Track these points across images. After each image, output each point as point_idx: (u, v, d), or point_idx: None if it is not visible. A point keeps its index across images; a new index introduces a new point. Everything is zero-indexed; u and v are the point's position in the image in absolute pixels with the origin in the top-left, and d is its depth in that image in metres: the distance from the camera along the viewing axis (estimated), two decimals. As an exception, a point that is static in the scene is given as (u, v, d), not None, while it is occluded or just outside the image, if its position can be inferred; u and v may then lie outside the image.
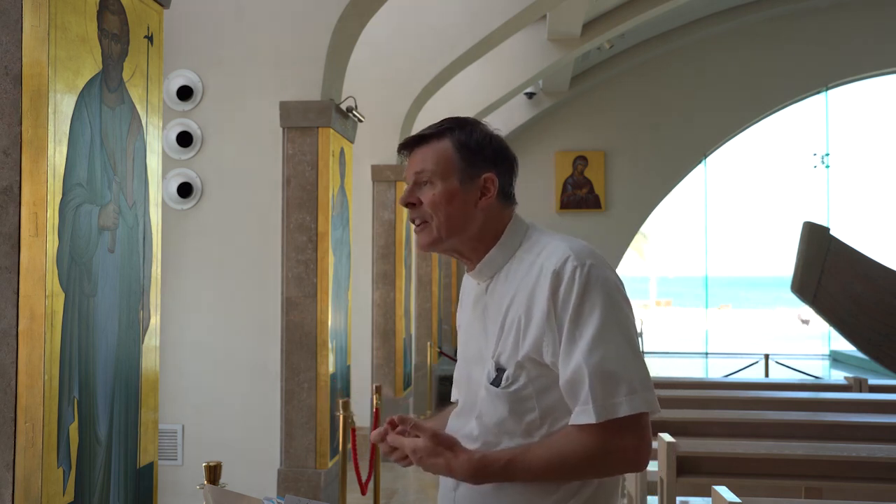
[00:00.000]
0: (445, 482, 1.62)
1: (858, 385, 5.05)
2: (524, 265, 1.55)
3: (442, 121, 1.63)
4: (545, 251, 1.53)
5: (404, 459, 1.53)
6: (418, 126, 7.13)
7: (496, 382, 1.52)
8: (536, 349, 1.48)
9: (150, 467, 2.41)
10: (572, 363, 1.44)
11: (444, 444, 1.48)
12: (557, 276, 1.47)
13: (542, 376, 1.49)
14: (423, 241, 1.59)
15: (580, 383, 1.43)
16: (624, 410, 1.41)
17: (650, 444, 1.47)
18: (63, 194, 1.99)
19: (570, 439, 1.45)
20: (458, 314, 1.77)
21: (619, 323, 1.46)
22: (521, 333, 1.50)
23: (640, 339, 14.68)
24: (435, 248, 1.59)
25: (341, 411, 4.09)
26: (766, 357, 9.44)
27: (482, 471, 1.47)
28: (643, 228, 13.90)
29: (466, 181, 1.57)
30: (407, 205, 1.60)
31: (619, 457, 1.44)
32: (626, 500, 4.18)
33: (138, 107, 2.37)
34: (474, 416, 1.58)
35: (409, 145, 1.62)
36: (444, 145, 1.58)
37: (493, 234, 1.59)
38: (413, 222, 1.60)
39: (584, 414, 1.43)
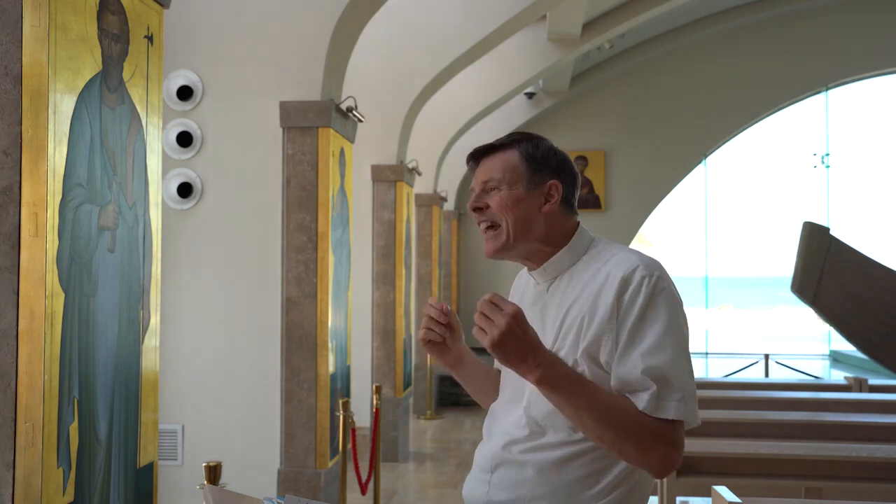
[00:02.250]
0: (481, 464, 1.65)
1: (858, 385, 5.05)
2: (590, 270, 1.61)
3: (510, 134, 1.72)
4: (614, 259, 1.59)
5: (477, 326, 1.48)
6: (418, 126, 7.14)
7: None
8: (595, 346, 1.52)
9: (150, 467, 2.41)
10: (630, 362, 1.49)
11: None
12: (625, 282, 1.53)
13: (595, 376, 1.53)
14: (492, 247, 1.65)
15: (636, 381, 1.47)
16: (671, 414, 1.46)
17: (681, 454, 1.50)
18: (63, 194, 1.99)
19: (631, 404, 1.48)
20: None
21: (679, 335, 1.51)
22: (582, 331, 1.54)
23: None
24: (502, 255, 1.65)
25: (341, 411, 4.09)
26: (766, 357, 9.45)
27: (558, 363, 1.48)
28: (642, 230, 13.88)
29: (532, 188, 1.64)
30: (475, 210, 1.66)
31: (663, 450, 1.46)
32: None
33: (138, 107, 2.37)
34: (522, 407, 1.62)
35: (478, 156, 1.70)
36: (512, 155, 1.66)
37: (556, 238, 1.65)
38: (480, 226, 1.67)
39: (639, 400, 1.47)
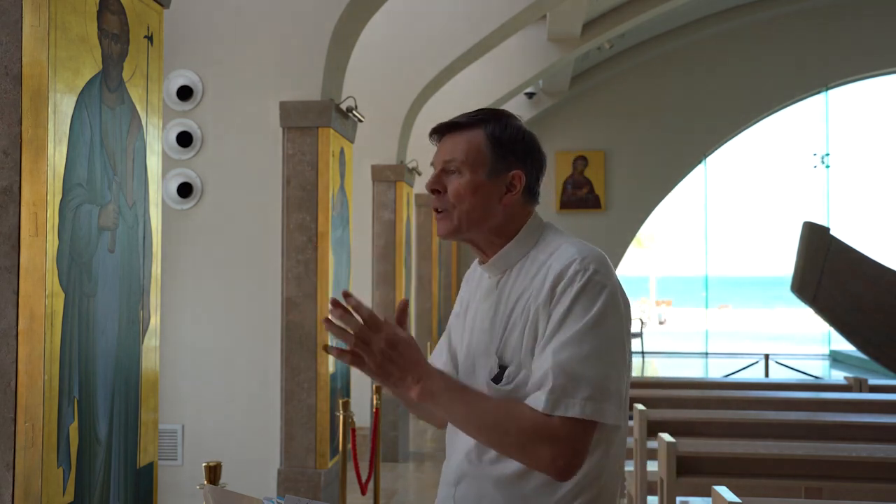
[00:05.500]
0: (446, 478, 1.63)
1: (858, 385, 5.05)
2: (536, 264, 1.55)
3: (477, 111, 1.63)
4: (556, 252, 1.53)
5: (352, 355, 1.44)
6: (418, 126, 7.13)
7: (497, 379, 1.52)
8: (533, 342, 1.49)
9: (150, 467, 2.41)
10: (543, 355, 1.45)
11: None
12: (559, 276, 1.48)
13: None
14: (443, 229, 1.59)
15: (545, 375, 1.43)
16: (574, 412, 1.40)
17: (580, 456, 1.44)
18: (63, 194, 1.99)
19: (523, 408, 1.44)
20: (458, 297, 1.76)
21: (604, 330, 1.45)
22: (524, 331, 1.50)
23: (638, 341, 14.69)
24: (454, 238, 1.60)
25: (341, 411, 4.09)
26: (766, 357, 9.44)
27: (436, 376, 1.46)
28: (639, 232, 13.90)
29: (494, 175, 1.57)
30: (432, 191, 1.60)
31: (547, 451, 1.41)
32: (626, 501, 4.18)
33: (138, 107, 2.37)
34: None
35: (441, 131, 1.62)
36: (477, 136, 1.58)
37: (511, 229, 1.60)
38: (435, 210, 1.60)
39: (536, 399, 1.43)
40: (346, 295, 1.46)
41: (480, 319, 1.61)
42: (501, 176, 1.57)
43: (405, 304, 1.52)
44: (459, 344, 1.66)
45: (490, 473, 1.52)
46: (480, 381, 1.55)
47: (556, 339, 1.44)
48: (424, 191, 8.92)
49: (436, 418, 1.73)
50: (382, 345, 1.43)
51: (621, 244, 12.90)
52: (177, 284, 4.17)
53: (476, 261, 1.70)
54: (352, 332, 1.43)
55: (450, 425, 1.66)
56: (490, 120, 1.60)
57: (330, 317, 1.44)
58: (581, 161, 13.18)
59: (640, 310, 21.72)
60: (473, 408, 1.46)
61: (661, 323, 23.80)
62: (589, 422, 1.42)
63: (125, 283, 2.28)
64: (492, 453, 1.52)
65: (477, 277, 1.70)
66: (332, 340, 4.27)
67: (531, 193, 1.60)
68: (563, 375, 1.41)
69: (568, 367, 1.41)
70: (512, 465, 1.50)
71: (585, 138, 13.19)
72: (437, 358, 1.74)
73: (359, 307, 1.44)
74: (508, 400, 1.47)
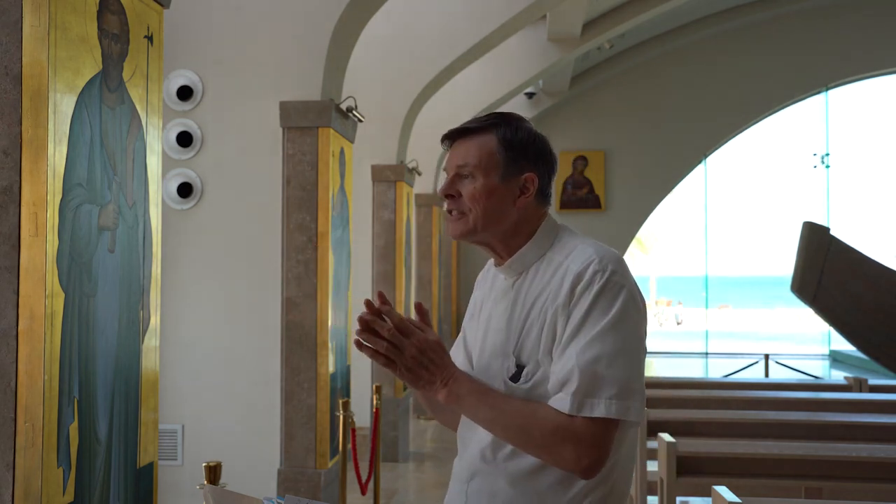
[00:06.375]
0: (458, 475, 1.64)
1: (858, 385, 5.04)
2: (552, 266, 1.57)
3: (488, 115, 1.64)
4: (573, 254, 1.55)
5: (385, 358, 1.48)
6: (418, 126, 7.13)
7: (515, 378, 1.54)
8: (551, 344, 1.51)
9: (150, 467, 2.41)
10: (565, 356, 1.47)
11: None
12: (578, 277, 1.50)
13: None
14: (457, 230, 1.61)
15: (569, 376, 1.45)
16: (599, 412, 1.43)
17: (605, 454, 1.46)
18: (63, 194, 1.99)
19: (547, 410, 1.47)
20: (471, 299, 1.77)
21: (624, 330, 1.47)
22: (542, 331, 1.52)
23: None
24: (466, 239, 1.62)
25: (341, 411, 4.09)
26: (766, 357, 9.45)
27: (463, 379, 1.52)
28: (643, 235, 13.91)
29: (507, 178, 1.59)
30: (446, 196, 1.61)
31: (571, 451, 1.44)
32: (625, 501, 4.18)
33: (138, 107, 2.37)
34: None
35: (453, 137, 1.63)
36: (489, 140, 1.59)
37: (525, 231, 1.62)
38: (449, 213, 1.62)
39: (561, 401, 1.46)
40: (382, 299, 1.50)
41: (496, 320, 1.62)
42: (514, 179, 1.59)
43: (421, 307, 1.56)
44: (474, 344, 1.68)
45: (504, 470, 1.54)
46: (496, 380, 1.56)
47: (578, 339, 1.46)
48: (424, 191, 8.95)
49: (455, 420, 1.75)
50: (414, 350, 1.48)
51: (621, 244, 12.90)
52: (177, 284, 4.17)
53: (489, 263, 1.73)
54: (384, 335, 1.46)
55: (463, 421, 1.67)
56: (501, 124, 1.61)
57: (363, 316, 1.47)
58: (581, 161, 13.18)
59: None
60: (498, 411, 1.49)
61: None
62: (613, 420, 1.44)
63: (125, 283, 2.28)
64: (507, 450, 1.54)
65: (490, 279, 1.72)
66: (333, 336, 4.27)
67: (544, 195, 1.63)
68: (587, 376, 1.44)
69: (591, 368, 1.44)
70: (526, 462, 1.52)
71: (585, 138, 13.19)
72: (455, 360, 1.75)
73: (390, 312, 1.48)
74: (532, 402, 1.50)
